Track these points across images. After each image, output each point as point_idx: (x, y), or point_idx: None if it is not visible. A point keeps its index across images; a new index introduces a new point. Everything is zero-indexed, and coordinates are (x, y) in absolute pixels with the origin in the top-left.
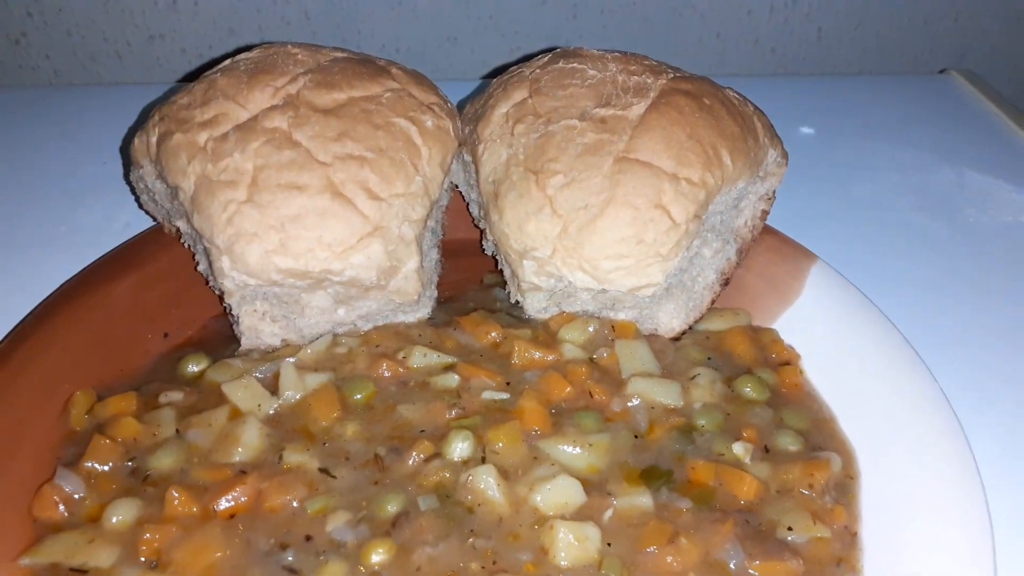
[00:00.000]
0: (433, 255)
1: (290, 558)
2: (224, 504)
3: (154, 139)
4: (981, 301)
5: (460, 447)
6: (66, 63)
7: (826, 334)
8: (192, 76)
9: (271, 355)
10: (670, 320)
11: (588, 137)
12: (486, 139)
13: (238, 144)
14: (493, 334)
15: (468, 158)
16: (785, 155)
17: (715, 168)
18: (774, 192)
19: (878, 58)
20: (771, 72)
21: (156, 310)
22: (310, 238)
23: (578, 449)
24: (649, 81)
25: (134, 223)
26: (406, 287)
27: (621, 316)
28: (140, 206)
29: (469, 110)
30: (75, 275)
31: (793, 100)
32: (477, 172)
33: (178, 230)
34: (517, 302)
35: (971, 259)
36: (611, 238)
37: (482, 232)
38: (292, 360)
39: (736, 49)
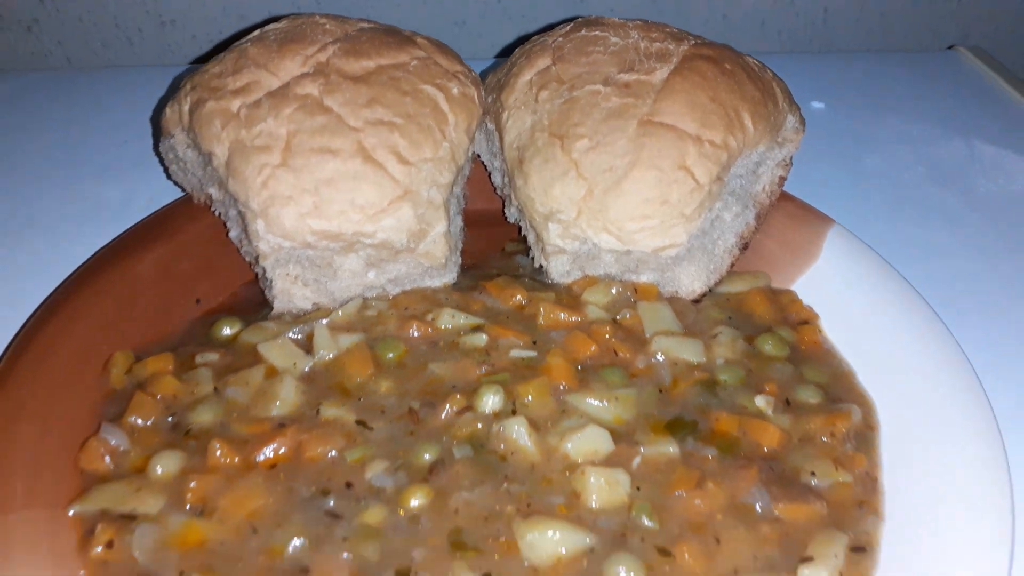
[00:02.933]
0: (458, 222)
1: (331, 503)
2: (265, 455)
3: (187, 108)
4: (995, 266)
5: (491, 400)
6: (78, 49)
7: (844, 294)
8: (203, 60)
9: (303, 318)
10: (691, 282)
11: (612, 102)
12: (510, 106)
13: (271, 110)
14: (518, 297)
15: (491, 127)
16: (803, 121)
17: (737, 131)
18: (791, 159)
19: (883, 39)
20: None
21: (187, 278)
22: (343, 201)
23: (605, 402)
24: (671, 47)
25: (157, 199)
26: (434, 250)
27: (643, 279)
28: (169, 177)
29: (492, 80)
30: (108, 244)
31: (803, 76)
32: (501, 139)
33: (209, 198)
34: (540, 267)
35: (983, 227)
36: (636, 199)
37: (504, 201)
38: (325, 322)
39: (742, 31)
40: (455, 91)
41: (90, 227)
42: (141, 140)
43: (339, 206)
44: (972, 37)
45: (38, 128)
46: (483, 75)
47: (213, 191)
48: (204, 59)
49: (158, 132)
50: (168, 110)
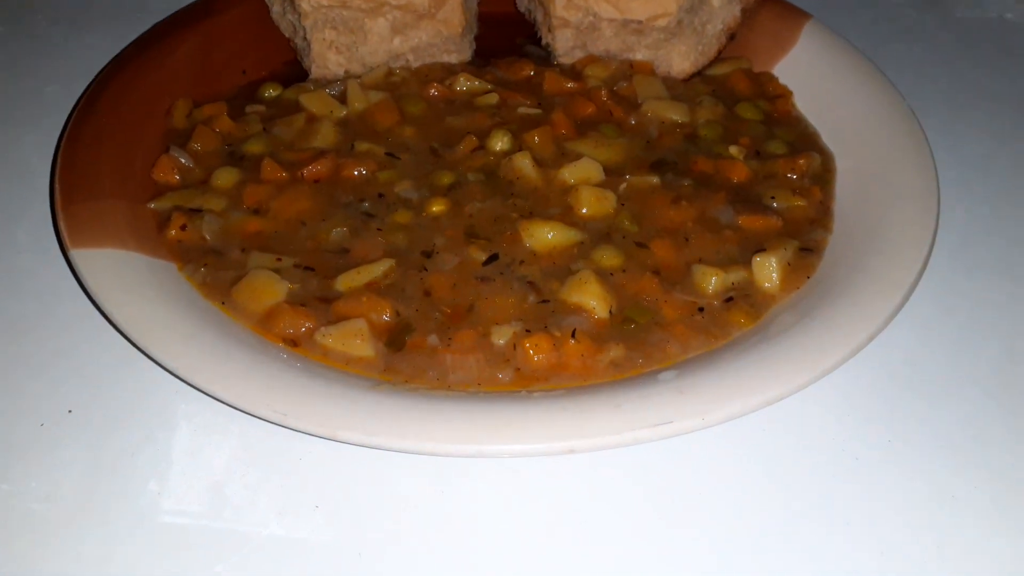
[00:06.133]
0: (473, 5)
1: (366, 206)
2: (308, 171)
3: None
4: (961, 73)
5: (501, 141)
6: None
7: (815, 74)
8: None
9: (337, 81)
10: (682, 62)
11: None
12: None
13: None
14: (527, 70)
15: None
16: None
17: None
18: None
19: None
20: None
21: (234, 51)
22: None
23: (599, 147)
24: None
25: None
26: (452, 17)
27: (639, 57)
28: None
29: None
30: (165, 18)
31: None
32: None
33: None
34: (547, 46)
35: (955, 45)
36: None
37: None
38: (357, 80)
39: None
40: None
41: (137, 27)
42: None
43: None
44: None
45: None
46: None
47: None
48: None
49: None
50: None
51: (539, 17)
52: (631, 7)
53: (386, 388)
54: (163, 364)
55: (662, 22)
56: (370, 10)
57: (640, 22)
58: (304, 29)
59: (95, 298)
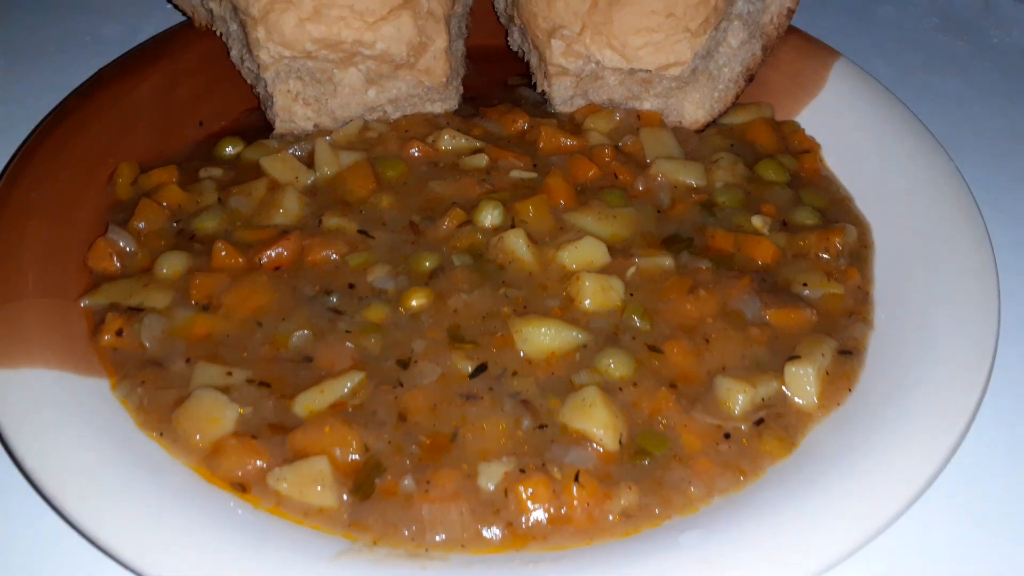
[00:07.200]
0: (459, 46)
1: (334, 301)
2: (268, 257)
3: None
4: (1003, 111)
5: (491, 215)
6: None
7: (846, 124)
8: None
9: (305, 137)
10: (695, 111)
11: None
12: None
13: None
14: (519, 123)
15: None
16: None
17: None
18: None
19: None
20: None
21: (189, 99)
22: (343, 6)
23: (603, 220)
24: None
25: None
26: (435, 67)
27: (647, 106)
28: (168, 0)
29: None
30: (110, 63)
31: None
32: None
33: (209, 16)
34: (543, 94)
35: (993, 76)
36: (641, 11)
37: (507, 30)
38: (327, 139)
39: None
40: None
41: (89, 60)
42: None
43: (339, 11)
44: None
45: None
46: None
47: (214, 5)
48: None
49: None
50: None
51: (534, 61)
52: (639, 55)
53: (350, 556)
54: (80, 529)
55: (674, 71)
56: (339, 60)
57: (649, 71)
58: (265, 81)
59: (3, 437)
